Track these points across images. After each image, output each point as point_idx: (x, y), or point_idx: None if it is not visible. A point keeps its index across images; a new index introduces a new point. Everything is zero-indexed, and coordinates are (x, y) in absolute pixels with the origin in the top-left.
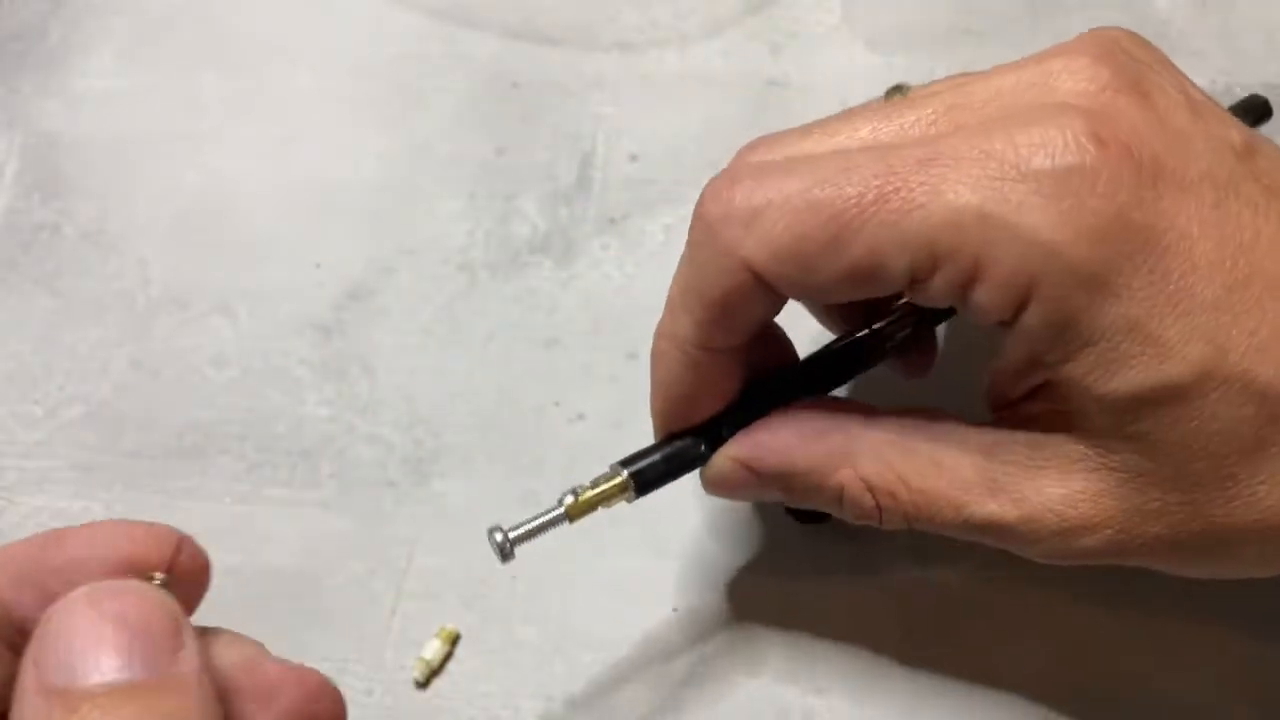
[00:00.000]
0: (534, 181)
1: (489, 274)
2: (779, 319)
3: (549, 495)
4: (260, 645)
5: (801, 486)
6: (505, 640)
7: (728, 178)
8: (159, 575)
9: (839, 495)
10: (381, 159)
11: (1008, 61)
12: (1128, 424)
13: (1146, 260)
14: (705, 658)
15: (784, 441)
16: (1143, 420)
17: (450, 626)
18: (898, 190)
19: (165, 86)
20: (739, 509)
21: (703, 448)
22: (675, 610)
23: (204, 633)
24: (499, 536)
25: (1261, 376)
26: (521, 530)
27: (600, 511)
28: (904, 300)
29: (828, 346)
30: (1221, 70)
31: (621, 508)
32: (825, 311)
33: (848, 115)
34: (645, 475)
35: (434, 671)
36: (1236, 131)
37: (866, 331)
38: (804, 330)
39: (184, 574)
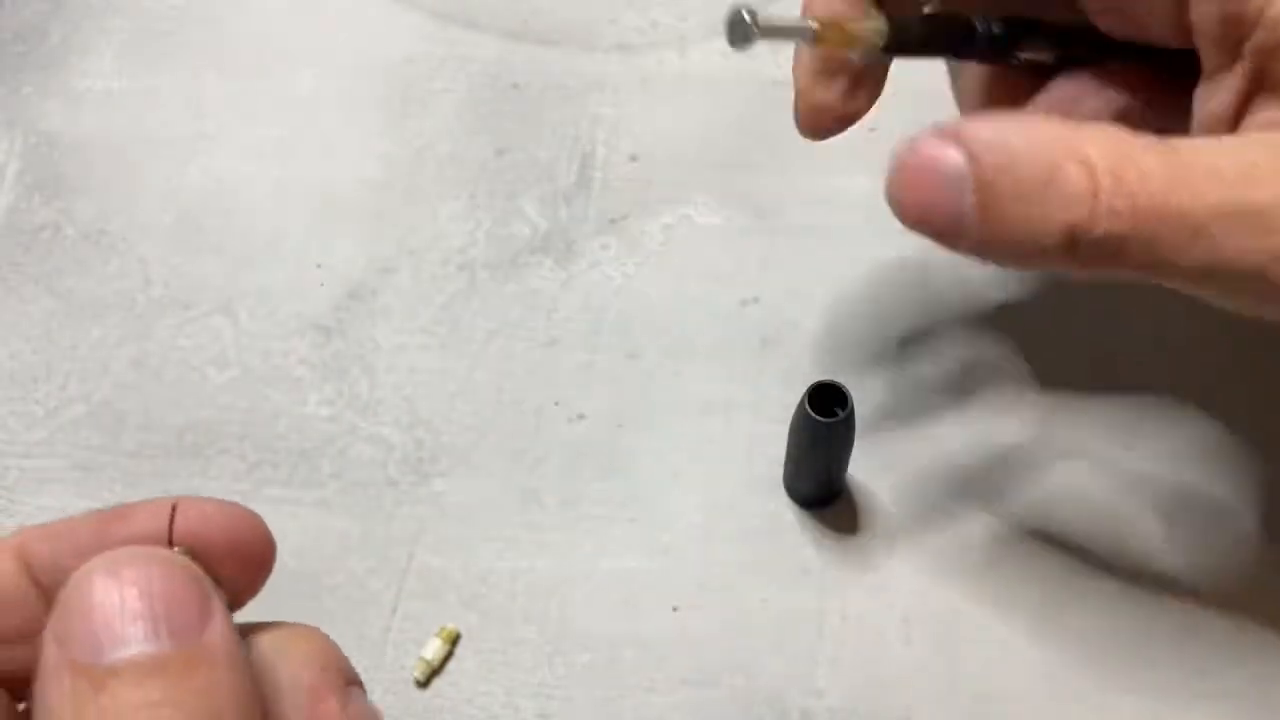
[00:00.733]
0: (534, 182)
1: (489, 274)
2: None
3: (549, 495)
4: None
5: (1011, 177)
6: (505, 640)
7: None
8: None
9: (1049, 178)
10: (382, 160)
11: None
12: None
13: None
14: (705, 658)
15: (1003, 122)
16: None
17: (450, 626)
18: None
19: (166, 87)
20: (739, 509)
21: (978, 27)
22: (675, 610)
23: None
24: (745, 14)
25: None
26: (769, 24)
27: (610, 496)
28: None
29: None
30: None
31: (622, 507)
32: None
33: None
34: (906, 29)
35: (434, 671)
36: None
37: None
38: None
39: (249, 555)
